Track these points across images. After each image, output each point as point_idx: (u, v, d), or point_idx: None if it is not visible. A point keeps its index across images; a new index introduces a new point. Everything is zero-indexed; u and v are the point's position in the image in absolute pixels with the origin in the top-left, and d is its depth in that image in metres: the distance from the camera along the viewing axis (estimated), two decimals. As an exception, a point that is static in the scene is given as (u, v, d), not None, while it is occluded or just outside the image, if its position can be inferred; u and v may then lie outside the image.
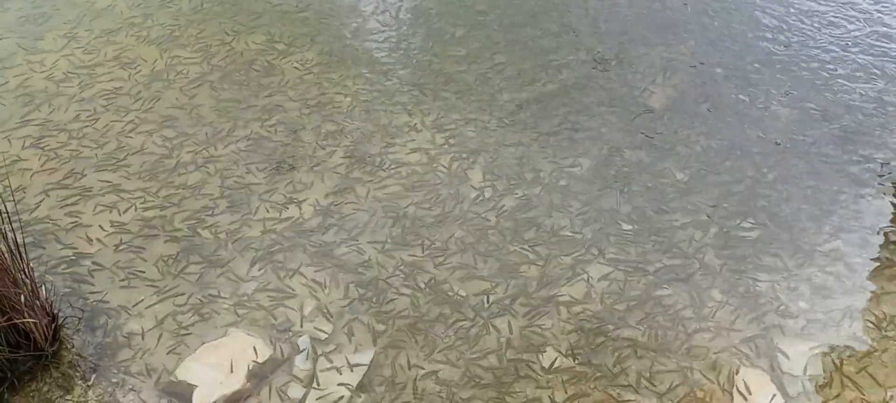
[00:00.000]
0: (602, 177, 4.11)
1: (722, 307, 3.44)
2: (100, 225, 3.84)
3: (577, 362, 3.23)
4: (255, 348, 3.27)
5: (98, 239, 3.77)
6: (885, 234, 3.76)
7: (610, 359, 3.23)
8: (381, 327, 3.40)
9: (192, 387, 3.15)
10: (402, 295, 3.51)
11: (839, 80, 4.73)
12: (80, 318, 3.44)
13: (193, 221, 3.87)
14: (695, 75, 4.80)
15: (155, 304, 3.49)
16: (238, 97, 4.67)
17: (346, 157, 4.23)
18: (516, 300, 3.48)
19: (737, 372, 3.17)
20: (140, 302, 3.50)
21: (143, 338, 3.36)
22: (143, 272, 3.63)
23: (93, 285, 3.57)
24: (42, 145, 4.30)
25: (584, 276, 3.57)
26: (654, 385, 3.13)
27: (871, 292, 3.50)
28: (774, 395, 3.07)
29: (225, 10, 5.43)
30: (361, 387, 3.17)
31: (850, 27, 5.22)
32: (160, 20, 5.33)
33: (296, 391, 3.17)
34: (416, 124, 4.45)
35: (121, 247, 3.74)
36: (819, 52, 4.99)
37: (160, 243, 3.77)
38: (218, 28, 5.25)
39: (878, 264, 3.62)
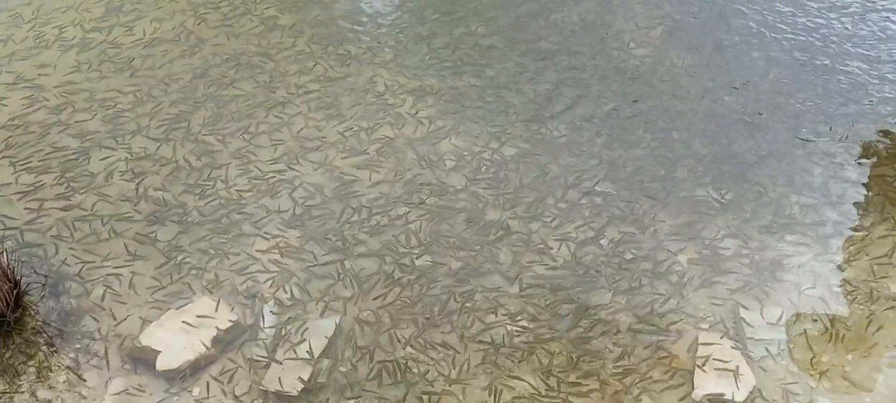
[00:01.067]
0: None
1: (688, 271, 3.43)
2: (67, 188, 3.81)
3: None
4: (220, 314, 3.26)
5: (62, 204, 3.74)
6: (852, 200, 3.74)
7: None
8: (347, 293, 3.38)
9: (156, 353, 3.13)
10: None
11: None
12: (43, 284, 3.41)
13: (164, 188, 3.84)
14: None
15: (121, 269, 3.47)
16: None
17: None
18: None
19: (700, 337, 3.16)
20: (105, 267, 3.48)
21: (107, 304, 3.34)
22: (110, 237, 3.60)
23: (57, 251, 3.54)
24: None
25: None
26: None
27: (837, 257, 3.48)
28: (738, 360, 3.07)
29: None
30: (326, 352, 3.16)
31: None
32: None
33: (260, 356, 3.16)
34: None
35: (86, 214, 3.71)
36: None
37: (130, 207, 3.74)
38: None
39: (843, 229, 3.60)
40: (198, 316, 3.25)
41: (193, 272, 3.46)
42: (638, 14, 4.95)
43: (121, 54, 4.64)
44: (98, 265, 3.49)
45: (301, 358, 3.12)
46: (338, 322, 3.26)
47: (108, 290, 3.39)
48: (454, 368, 3.11)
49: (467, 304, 3.32)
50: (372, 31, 4.85)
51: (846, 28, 4.78)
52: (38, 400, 3.05)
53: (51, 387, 3.08)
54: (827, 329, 3.20)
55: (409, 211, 3.70)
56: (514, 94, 4.36)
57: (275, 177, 3.88)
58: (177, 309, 3.30)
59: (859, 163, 3.91)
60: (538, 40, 4.76)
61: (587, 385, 3.04)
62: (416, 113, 4.24)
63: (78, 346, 3.22)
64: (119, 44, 4.71)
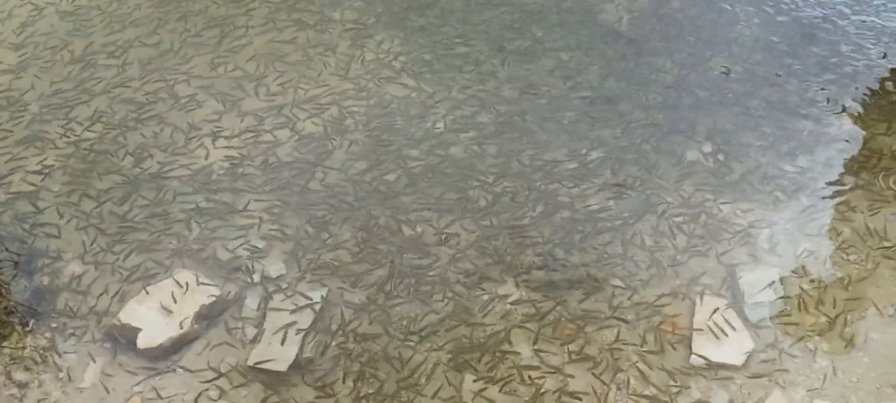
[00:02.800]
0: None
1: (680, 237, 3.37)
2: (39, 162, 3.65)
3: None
4: (203, 288, 3.14)
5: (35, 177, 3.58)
6: (844, 158, 3.69)
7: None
8: (335, 263, 3.28)
9: (136, 330, 3.02)
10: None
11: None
12: (16, 263, 3.27)
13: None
14: None
15: (97, 244, 3.33)
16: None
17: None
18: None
19: (696, 302, 3.11)
20: (81, 242, 3.34)
21: (83, 281, 3.22)
22: (85, 211, 3.46)
23: (29, 226, 3.39)
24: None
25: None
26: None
27: (831, 216, 3.44)
28: (736, 323, 3.02)
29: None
30: (314, 326, 3.07)
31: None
32: None
33: (246, 331, 3.06)
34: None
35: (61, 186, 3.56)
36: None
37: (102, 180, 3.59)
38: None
39: (836, 189, 3.56)
40: (179, 291, 3.13)
41: (173, 245, 3.33)
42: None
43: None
44: (72, 241, 3.35)
45: (288, 332, 3.02)
46: (324, 294, 3.16)
47: (85, 266, 3.26)
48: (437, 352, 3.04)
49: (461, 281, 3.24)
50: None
51: None
52: (14, 383, 2.93)
53: (27, 369, 2.97)
54: (823, 289, 3.16)
55: (399, 177, 3.60)
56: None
57: (252, 142, 3.75)
58: (157, 284, 3.18)
59: (849, 123, 3.85)
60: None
61: (582, 353, 2.98)
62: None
63: (54, 326, 3.10)
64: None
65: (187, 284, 3.15)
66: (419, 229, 3.38)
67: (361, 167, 3.64)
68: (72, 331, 3.08)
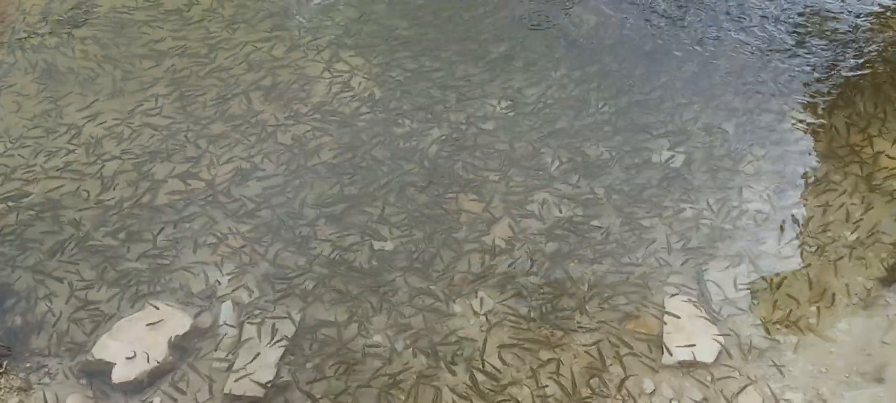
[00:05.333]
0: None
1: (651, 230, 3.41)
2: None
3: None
4: (176, 319, 3.14)
5: None
6: (808, 150, 3.76)
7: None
8: (307, 286, 3.29)
9: (110, 365, 3.02)
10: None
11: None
12: (-14, 304, 3.26)
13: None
14: None
15: (67, 280, 3.33)
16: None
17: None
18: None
19: (666, 301, 3.15)
20: (51, 279, 3.33)
21: (55, 318, 3.20)
22: (53, 247, 3.45)
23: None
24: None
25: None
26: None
27: (795, 209, 3.50)
28: (705, 319, 3.06)
29: None
30: (289, 350, 3.08)
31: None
32: None
33: (221, 360, 3.06)
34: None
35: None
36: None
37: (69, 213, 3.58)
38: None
39: (800, 181, 3.62)
40: (152, 323, 3.13)
41: (144, 277, 3.33)
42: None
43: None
44: (43, 277, 3.34)
45: (263, 358, 3.03)
46: (298, 318, 3.17)
47: (56, 303, 3.25)
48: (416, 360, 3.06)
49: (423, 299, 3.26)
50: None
51: None
52: (-11, 425, 2.92)
53: (2, 410, 2.95)
54: (789, 282, 3.21)
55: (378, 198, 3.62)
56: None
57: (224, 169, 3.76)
58: (130, 317, 3.17)
59: (813, 114, 3.92)
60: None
61: (555, 356, 3.01)
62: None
63: (28, 365, 3.08)
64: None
65: (161, 315, 3.15)
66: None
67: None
68: (46, 369, 3.07)
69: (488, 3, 4.69)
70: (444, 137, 3.86)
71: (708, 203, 3.53)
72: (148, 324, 3.12)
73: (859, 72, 4.13)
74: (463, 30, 4.50)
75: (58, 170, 3.77)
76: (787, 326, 3.07)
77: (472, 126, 3.91)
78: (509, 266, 3.31)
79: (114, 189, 3.69)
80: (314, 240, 3.44)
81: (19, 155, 3.86)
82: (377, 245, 3.41)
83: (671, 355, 2.98)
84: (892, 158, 3.63)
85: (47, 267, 3.38)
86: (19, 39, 4.55)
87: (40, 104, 4.14)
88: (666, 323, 3.07)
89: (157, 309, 3.18)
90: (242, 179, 3.71)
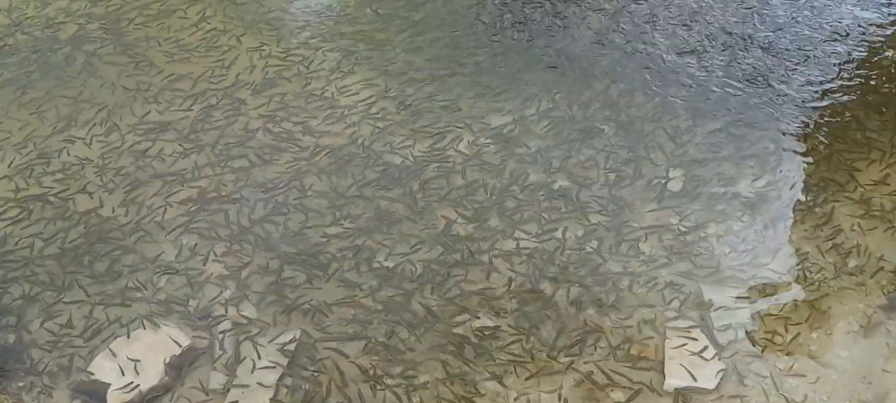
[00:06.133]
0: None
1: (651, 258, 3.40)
2: None
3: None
4: (172, 338, 3.11)
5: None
6: (807, 173, 3.76)
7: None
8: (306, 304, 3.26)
9: (105, 385, 2.98)
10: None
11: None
12: (-21, 321, 3.22)
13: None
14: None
15: (62, 297, 3.29)
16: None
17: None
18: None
19: (666, 325, 3.14)
20: (46, 295, 3.29)
21: (49, 336, 3.16)
22: (49, 262, 3.42)
23: (-6, 283, 3.35)
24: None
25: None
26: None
27: (796, 234, 3.50)
28: (706, 346, 3.05)
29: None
30: (288, 369, 3.05)
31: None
32: None
33: (218, 380, 3.03)
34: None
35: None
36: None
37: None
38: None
39: (799, 205, 3.62)
40: (148, 342, 3.09)
41: (140, 295, 3.30)
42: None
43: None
44: (37, 294, 3.30)
45: (262, 378, 3.00)
46: (297, 336, 3.14)
47: (50, 321, 3.21)
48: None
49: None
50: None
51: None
52: (-19, 446, 2.87)
53: (-6, 431, 2.91)
54: (790, 307, 3.21)
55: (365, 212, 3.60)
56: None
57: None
58: (126, 336, 3.14)
59: (811, 138, 3.93)
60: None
61: (554, 381, 2.99)
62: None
63: (22, 384, 3.04)
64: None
65: (157, 334, 3.12)
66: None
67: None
68: (40, 389, 3.03)
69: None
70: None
71: (706, 227, 3.53)
72: (144, 344, 3.09)
73: (856, 97, 4.15)
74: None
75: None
76: (787, 353, 3.06)
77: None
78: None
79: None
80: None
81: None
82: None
83: (673, 381, 2.96)
84: (892, 184, 3.64)
85: (42, 284, 3.35)
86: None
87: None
88: (667, 348, 3.06)
89: (155, 328, 3.15)
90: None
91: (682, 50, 4.48)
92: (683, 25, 4.65)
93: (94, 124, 4.09)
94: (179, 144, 3.97)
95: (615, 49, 4.52)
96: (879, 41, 4.50)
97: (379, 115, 4.10)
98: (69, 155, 3.92)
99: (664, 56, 4.45)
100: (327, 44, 4.62)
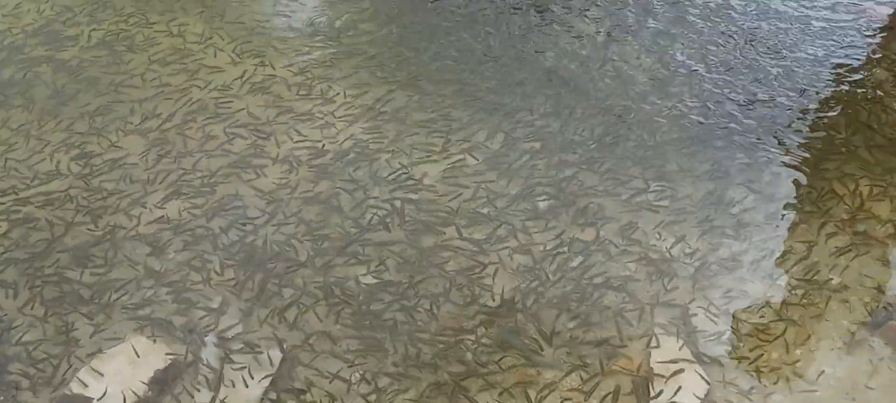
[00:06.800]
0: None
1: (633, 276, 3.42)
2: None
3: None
4: (155, 353, 3.09)
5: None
6: (791, 192, 3.79)
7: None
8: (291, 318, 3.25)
9: (88, 400, 2.96)
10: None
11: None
12: (-39, 334, 3.20)
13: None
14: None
15: (44, 309, 3.27)
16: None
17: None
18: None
19: (651, 342, 3.15)
20: (26, 308, 3.27)
21: (31, 349, 3.14)
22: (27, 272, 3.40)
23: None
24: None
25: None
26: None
27: (780, 251, 3.52)
28: (690, 361, 3.06)
29: None
30: (273, 385, 3.03)
31: None
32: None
33: (202, 396, 3.01)
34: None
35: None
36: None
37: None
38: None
39: (784, 223, 3.65)
40: (132, 356, 3.07)
41: (124, 309, 3.28)
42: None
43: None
44: (17, 307, 3.28)
45: (247, 393, 2.98)
46: (282, 352, 3.13)
47: (33, 335, 3.18)
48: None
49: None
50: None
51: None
52: (-40, 462, 2.84)
53: (-27, 446, 2.88)
54: (774, 325, 3.22)
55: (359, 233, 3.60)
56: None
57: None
58: (109, 351, 3.12)
59: (796, 155, 3.96)
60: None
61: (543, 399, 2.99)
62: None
63: (2, 399, 3.01)
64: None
65: (140, 347, 3.10)
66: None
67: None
68: (22, 404, 3.01)
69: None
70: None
71: (693, 242, 3.54)
72: (128, 357, 3.07)
73: (842, 116, 4.19)
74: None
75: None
76: (772, 369, 3.07)
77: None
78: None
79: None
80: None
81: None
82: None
83: (657, 398, 2.96)
84: (877, 203, 3.67)
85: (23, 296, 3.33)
86: None
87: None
88: (652, 365, 3.06)
89: (138, 343, 3.13)
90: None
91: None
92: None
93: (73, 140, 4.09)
94: (157, 158, 3.97)
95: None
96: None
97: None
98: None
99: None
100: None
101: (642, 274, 3.41)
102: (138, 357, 3.08)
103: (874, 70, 4.49)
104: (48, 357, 3.12)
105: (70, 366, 3.09)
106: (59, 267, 3.45)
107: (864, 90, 4.36)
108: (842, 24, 4.83)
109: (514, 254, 3.49)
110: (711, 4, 5.01)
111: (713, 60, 4.58)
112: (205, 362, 3.12)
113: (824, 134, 4.09)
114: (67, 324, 3.23)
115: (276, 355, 3.12)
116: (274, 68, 4.55)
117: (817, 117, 4.19)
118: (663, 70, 4.51)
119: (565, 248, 3.50)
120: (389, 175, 3.85)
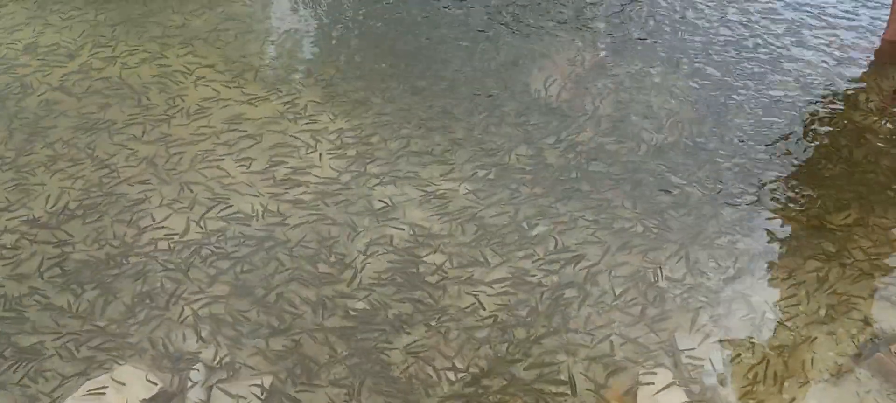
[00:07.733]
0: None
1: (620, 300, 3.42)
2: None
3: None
4: (141, 380, 3.06)
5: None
6: (780, 224, 3.82)
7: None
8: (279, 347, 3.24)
9: (76, 431, 2.92)
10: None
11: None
12: (-56, 362, 3.16)
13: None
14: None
15: (30, 339, 3.24)
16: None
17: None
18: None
19: (639, 374, 3.15)
20: (13, 337, 3.24)
21: (18, 379, 3.10)
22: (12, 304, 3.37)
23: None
24: None
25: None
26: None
27: (769, 284, 3.54)
28: (679, 393, 3.06)
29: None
30: (260, 413, 3.02)
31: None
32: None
33: (188, 425, 2.99)
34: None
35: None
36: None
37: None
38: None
39: (773, 255, 3.67)
40: (117, 387, 3.04)
41: (109, 339, 3.25)
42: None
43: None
44: (4, 336, 3.25)
45: (231, 424, 2.96)
46: (269, 383, 3.11)
47: (19, 364, 3.15)
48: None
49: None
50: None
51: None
52: None
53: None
54: (763, 357, 3.23)
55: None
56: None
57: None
58: (93, 379, 3.08)
59: (785, 190, 4.01)
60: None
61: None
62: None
63: (-16, 434, 2.98)
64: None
65: (125, 377, 3.07)
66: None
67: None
68: (6, 433, 2.97)
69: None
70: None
71: (680, 275, 3.56)
72: (113, 387, 3.04)
73: (830, 148, 4.24)
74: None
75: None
76: (759, 402, 3.07)
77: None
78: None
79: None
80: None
81: None
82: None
83: (643, 429, 2.97)
84: (864, 235, 3.71)
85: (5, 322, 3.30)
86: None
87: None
88: (640, 398, 3.06)
89: (124, 371, 3.10)
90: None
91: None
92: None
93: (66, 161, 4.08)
94: (149, 183, 3.97)
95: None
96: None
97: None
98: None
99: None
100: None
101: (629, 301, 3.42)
102: (124, 386, 3.04)
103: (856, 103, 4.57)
104: (32, 387, 3.08)
105: (56, 397, 3.05)
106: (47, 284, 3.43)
107: (847, 122, 4.42)
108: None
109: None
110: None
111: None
112: (192, 390, 3.08)
113: (809, 166, 4.14)
114: (54, 352, 3.20)
115: (265, 382, 3.10)
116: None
117: (802, 147, 4.25)
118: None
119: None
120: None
